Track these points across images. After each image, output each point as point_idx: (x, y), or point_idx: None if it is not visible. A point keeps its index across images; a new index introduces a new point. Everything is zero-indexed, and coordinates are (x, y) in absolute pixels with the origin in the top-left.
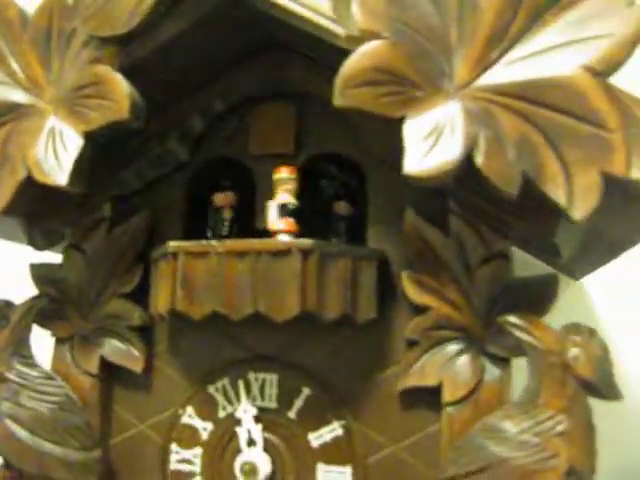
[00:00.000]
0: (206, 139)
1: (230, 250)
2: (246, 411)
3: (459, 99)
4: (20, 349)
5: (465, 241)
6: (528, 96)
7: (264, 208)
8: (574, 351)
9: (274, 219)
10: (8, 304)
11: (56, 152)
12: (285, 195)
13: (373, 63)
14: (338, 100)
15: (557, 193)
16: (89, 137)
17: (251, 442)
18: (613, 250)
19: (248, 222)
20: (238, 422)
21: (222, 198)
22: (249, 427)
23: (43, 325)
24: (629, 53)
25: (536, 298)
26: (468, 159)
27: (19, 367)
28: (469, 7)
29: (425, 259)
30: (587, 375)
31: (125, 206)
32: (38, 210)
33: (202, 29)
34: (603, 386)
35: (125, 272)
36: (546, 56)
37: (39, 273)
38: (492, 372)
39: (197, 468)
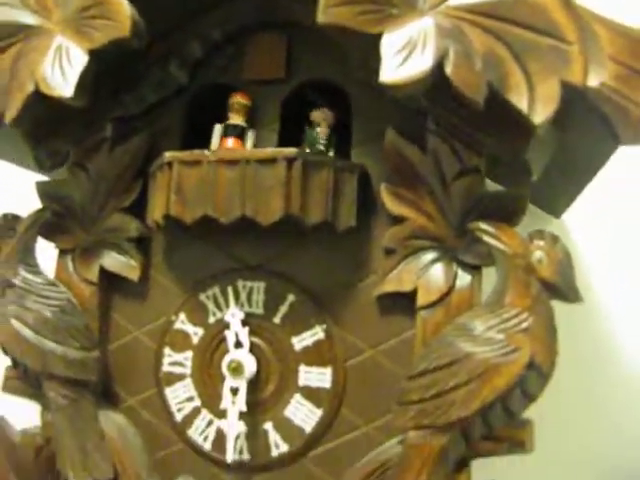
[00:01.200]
0: (204, 66)
1: (221, 159)
2: (234, 315)
3: (432, 16)
4: (26, 258)
5: (441, 157)
6: (495, 14)
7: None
8: (538, 254)
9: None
10: (15, 217)
11: (62, 68)
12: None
13: None
14: (321, 17)
15: (520, 101)
16: (93, 55)
17: (238, 344)
18: (582, 174)
19: None
20: (227, 326)
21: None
22: (236, 330)
23: (47, 237)
24: None
25: (506, 211)
26: (439, 69)
27: (25, 274)
28: None
29: (403, 174)
30: (549, 277)
31: (126, 128)
32: (44, 129)
33: None
34: (564, 288)
35: (125, 188)
36: None
37: (45, 190)
38: (464, 278)
39: (188, 370)
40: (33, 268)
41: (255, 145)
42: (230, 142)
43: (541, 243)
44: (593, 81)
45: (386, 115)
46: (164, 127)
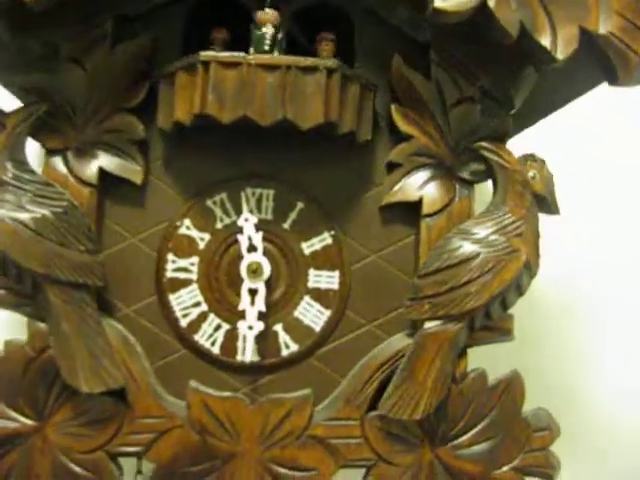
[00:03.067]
0: None
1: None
2: (247, 219)
3: None
4: (16, 155)
5: (442, 85)
6: None
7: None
8: (532, 172)
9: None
10: (1, 112)
11: None
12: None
13: None
14: None
15: (544, 40)
16: None
17: (251, 248)
18: (547, 111)
19: None
20: (238, 231)
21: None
22: (250, 234)
23: (34, 136)
24: None
25: (494, 135)
26: (482, 4)
27: (16, 172)
28: None
29: (408, 98)
30: (540, 191)
31: (128, 27)
32: (37, 18)
33: None
34: (550, 202)
35: (127, 88)
36: None
37: (28, 84)
38: (461, 192)
39: (194, 276)
40: (25, 166)
41: None
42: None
43: (535, 164)
44: (603, 29)
45: (390, 43)
46: (165, 32)
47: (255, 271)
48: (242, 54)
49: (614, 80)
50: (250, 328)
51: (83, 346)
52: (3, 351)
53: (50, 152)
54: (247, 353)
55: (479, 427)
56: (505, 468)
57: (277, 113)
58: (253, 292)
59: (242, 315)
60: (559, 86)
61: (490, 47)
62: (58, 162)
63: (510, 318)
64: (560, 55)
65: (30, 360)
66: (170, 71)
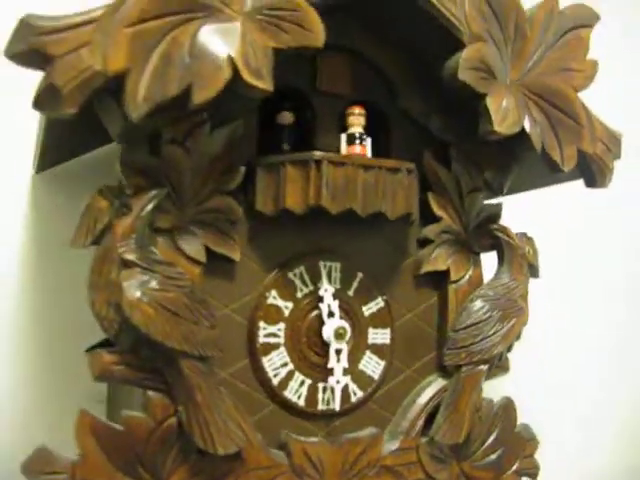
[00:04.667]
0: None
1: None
2: (327, 290)
3: (513, 92)
4: (142, 238)
5: (460, 177)
6: (544, 97)
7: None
8: (527, 247)
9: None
10: (128, 195)
11: (257, 59)
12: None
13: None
14: (461, 75)
15: (555, 156)
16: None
17: (330, 314)
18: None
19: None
20: (316, 299)
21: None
22: (329, 302)
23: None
24: (592, 78)
25: (493, 216)
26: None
27: (142, 253)
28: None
29: (437, 186)
30: (533, 261)
31: (221, 113)
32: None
33: None
34: (537, 270)
35: (224, 171)
36: (555, 76)
37: (133, 164)
38: (475, 261)
39: (281, 340)
40: (149, 248)
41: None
42: (358, 149)
43: (527, 241)
44: (590, 150)
45: (418, 139)
46: (246, 117)
47: (341, 334)
48: (346, 154)
49: (592, 184)
50: (338, 382)
51: (215, 413)
52: (122, 426)
53: (157, 231)
54: (336, 403)
55: (488, 443)
56: (509, 472)
57: (375, 206)
58: (338, 352)
59: (320, 370)
60: (537, 181)
61: (495, 150)
62: (168, 241)
63: (508, 359)
64: (566, 168)
65: (152, 431)
66: (272, 162)
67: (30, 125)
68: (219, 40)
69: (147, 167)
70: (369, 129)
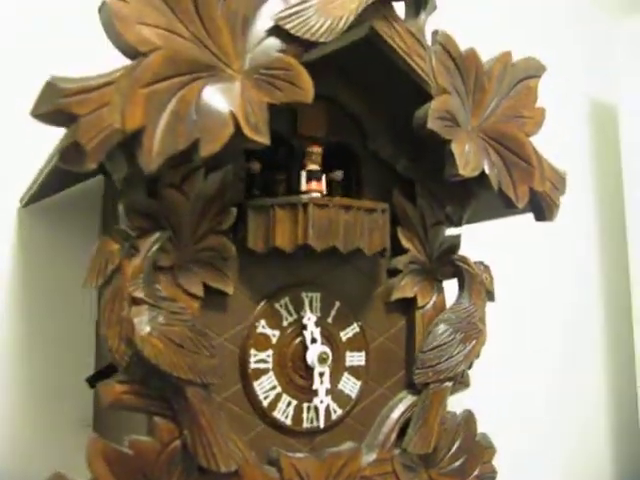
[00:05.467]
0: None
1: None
2: (309, 318)
3: (473, 137)
4: (149, 276)
5: (424, 211)
6: (501, 142)
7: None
8: (485, 276)
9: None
10: (134, 237)
11: (255, 115)
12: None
13: (446, 107)
14: (430, 124)
15: (510, 194)
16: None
17: (313, 340)
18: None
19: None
20: (302, 327)
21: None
22: (312, 329)
23: None
24: (541, 124)
25: (452, 247)
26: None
27: (150, 291)
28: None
29: (404, 220)
30: (490, 288)
31: (215, 159)
32: None
33: None
34: (493, 295)
35: (218, 213)
36: (509, 122)
37: (135, 207)
38: (439, 288)
39: (270, 365)
40: (154, 285)
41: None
42: (314, 184)
43: (485, 269)
44: (540, 188)
45: (387, 177)
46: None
47: (324, 359)
48: (329, 197)
49: (542, 218)
50: (321, 402)
51: (217, 434)
52: (130, 449)
53: (160, 269)
54: (320, 421)
55: (452, 451)
56: (471, 477)
57: (354, 244)
58: (321, 374)
59: (304, 392)
60: (491, 214)
61: (455, 188)
62: (169, 278)
63: (468, 375)
64: (520, 205)
65: (159, 453)
66: (262, 204)
67: (16, 160)
68: (221, 98)
69: (149, 210)
70: (344, 168)
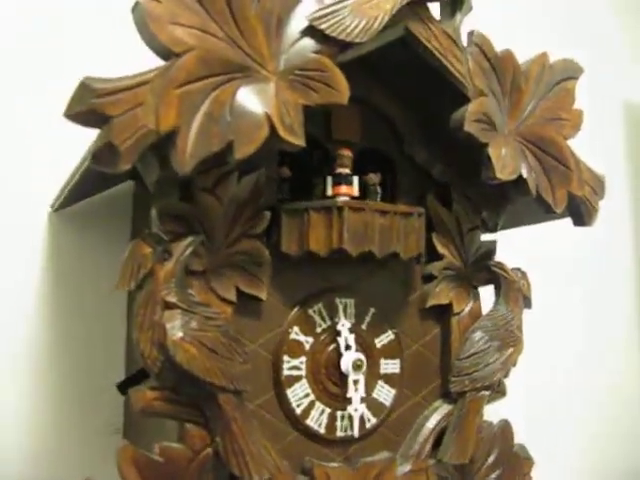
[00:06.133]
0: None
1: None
2: (344, 324)
3: (510, 140)
4: (180, 280)
5: (460, 217)
6: (539, 145)
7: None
8: (522, 282)
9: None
10: (167, 241)
11: (290, 117)
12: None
13: (483, 109)
14: (467, 127)
15: (548, 199)
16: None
17: (347, 347)
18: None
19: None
20: (335, 333)
21: None
22: (346, 336)
23: None
24: (579, 126)
25: (489, 253)
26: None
27: (183, 296)
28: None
29: (440, 226)
30: (527, 294)
31: (247, 162)
32: None
33: None
34: (530, 301)
35: (252, 217)
36: (546, 125)
37: (167, 210)
38: (474, 295)
39: (303, 372)
40: (187, 289)
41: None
42: (344, 188)
43: (522, 275)
44: (579, 193)
45: (422, 182)
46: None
47: (359, 366)
48: (366, 201)
49: (580, 223)
50: (356, 410)
51: (249, 442)
52: (161, 457)
53: (192, 274)
54: (355, 430)
55: (489, 462)
56: None
57: (390, 248)
58: (355, 382)
59: (338, 400)
60: (527, 219)
61: (491, 192)
62: (202, 283)
63: (504, 384)
64: (558, 209)
65: (190, 460)
66: (296, 208)
67: (48, 164)
68: (256, 99)
69: (181, 213)
70: (381, 174)
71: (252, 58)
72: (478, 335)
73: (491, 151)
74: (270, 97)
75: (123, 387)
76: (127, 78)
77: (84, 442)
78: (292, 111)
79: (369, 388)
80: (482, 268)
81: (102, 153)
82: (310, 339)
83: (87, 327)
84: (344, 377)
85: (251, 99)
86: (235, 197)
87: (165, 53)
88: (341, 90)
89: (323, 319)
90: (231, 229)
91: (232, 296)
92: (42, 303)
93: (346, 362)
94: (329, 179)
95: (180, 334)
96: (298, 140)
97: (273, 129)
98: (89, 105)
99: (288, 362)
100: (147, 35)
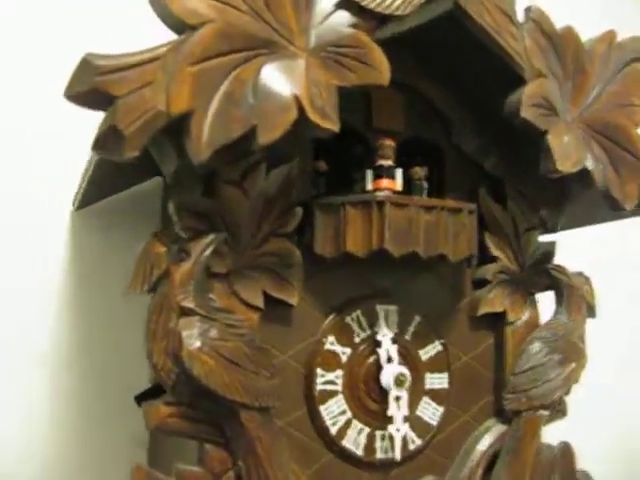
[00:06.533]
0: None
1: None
2: (385, 334)
3: (573, 128)
4: (200, 283)
5: (516, 216)
6: (604, 133)
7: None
8: (586, 288)
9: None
10: (184, 240)
11: (322, 99)
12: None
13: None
14: (523, 112)
15: (616, 194)
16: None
17: (388, 359)
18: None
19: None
20: (373, 344)
21: None
22: (387, 347)
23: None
24: None
25: (548, 255)
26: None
27: (202, 301)
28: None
29: (493, 225)
30: (591, 302)
31: (276, 154)
32: None
33: None
34: (594, 309)
35: (282, 214)
36: (615, 111)
37: (186, 205)
38: (531, 302)
39: (339, 387)
40: (208, 294)
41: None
42: (385, 182)
43: (585, 280)
44: None
45: (472, 176)
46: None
47: (402, 381)
48: (408, 196)
49: None
50: (398, 430)
51: (275, 466)
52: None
53: (214, 276)
54: (396, 452)
55: None
56: None
57: (437, 249)
58: (397, 398)
59: (378, 418)
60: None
61: (551, 187)
62: (224, 287)
63: (565, 403)
64: (628, 206)
65: None
66: (331, 203)
67: (70, 163)
68: (283, 78)
69: (203, 209)
70: (427, 165)
71: (279, 33)
72: (536, 347)
73: (551, 140)
74: (299, 76)
75: (140, 400)
76: (135, 54)
77: (108, 456)
78: (324, 92)
79: (413, 405)
80: (540, 272)
81: (106, 138)
82: (347, 350)
83: (113, 330)
84: (385, 393)
85: (277, 78)
86: (263, 191)
87: (179, 26)
88: (381, 69)
89: (362, 328)
90: (259, 227)
91: (259, 301)
92: (66, 305)
93: (387, 376)
94: (369, 172)
95: (197, 344)
96: (331, 124)
97: (302, 112)
98: (91, 84)
99: (322, 376)
100: (159, 6)
